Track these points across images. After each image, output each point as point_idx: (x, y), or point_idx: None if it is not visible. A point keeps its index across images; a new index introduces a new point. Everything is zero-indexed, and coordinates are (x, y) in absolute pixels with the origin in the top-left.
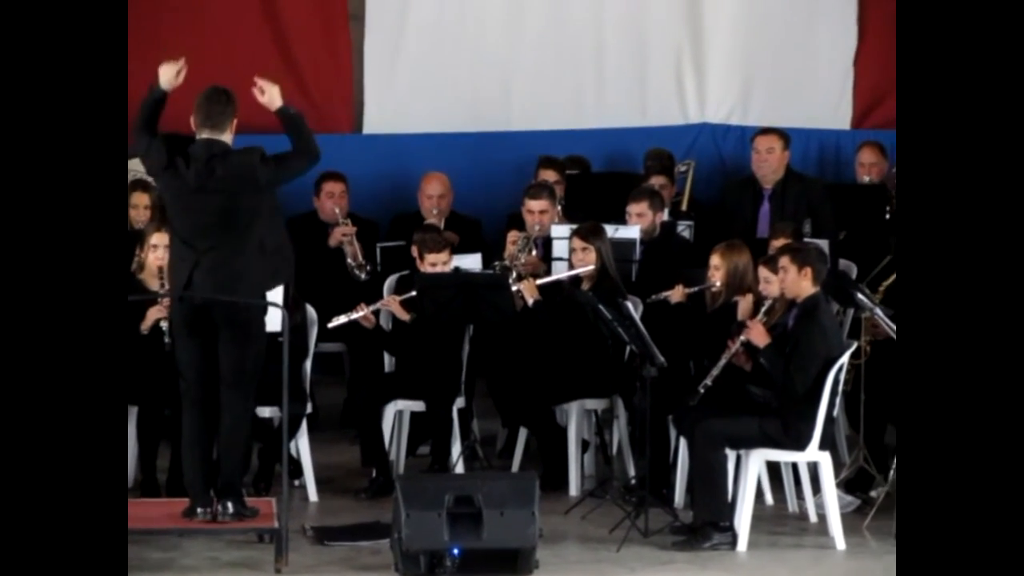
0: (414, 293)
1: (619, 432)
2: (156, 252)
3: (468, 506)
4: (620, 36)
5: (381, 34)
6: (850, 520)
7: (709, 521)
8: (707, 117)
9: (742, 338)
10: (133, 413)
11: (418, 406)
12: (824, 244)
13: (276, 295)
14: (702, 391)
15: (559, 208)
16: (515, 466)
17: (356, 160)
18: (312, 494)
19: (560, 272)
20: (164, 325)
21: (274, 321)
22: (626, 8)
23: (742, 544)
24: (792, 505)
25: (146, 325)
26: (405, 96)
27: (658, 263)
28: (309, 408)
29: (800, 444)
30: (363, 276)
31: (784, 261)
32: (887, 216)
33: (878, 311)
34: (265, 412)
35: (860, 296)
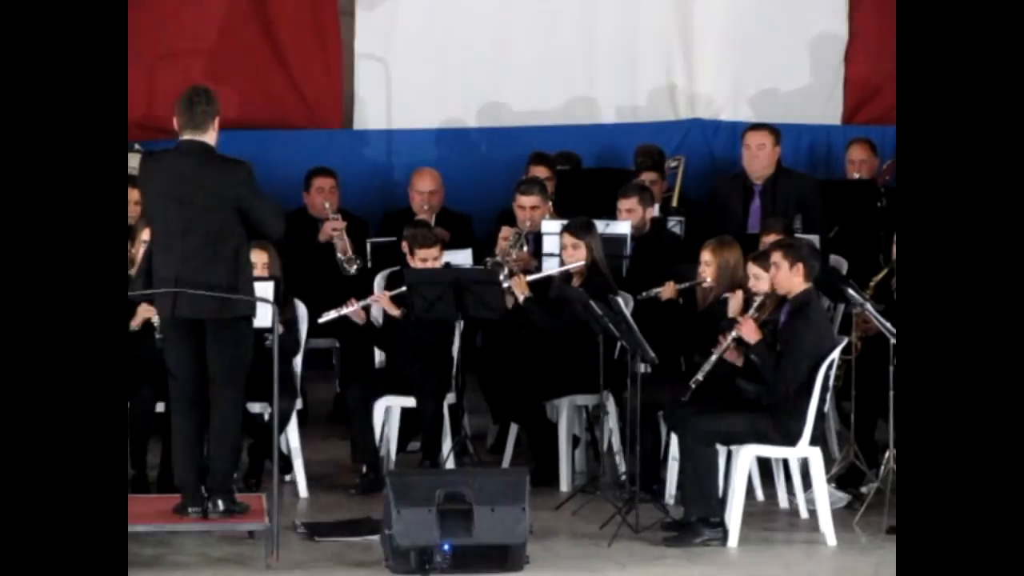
0: (404, 289)
1: (610, 428)
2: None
3: (459, 502)
4: (611, 32)
5: (371, 29)
6: (841, 516)
7: (700, 517)
8: (697, 113)
9: (733, 334)
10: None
11: (408, 402)
12: (815, 240)
13: (266, 290)
14: (693, 387)
15: (550, 204)
16: (506, 462)
17: (346, 156)
18: (303, 490)
19: (551, 268)
20: (156, 321)
21: (264, 317)
22: (617, 4)
23: (733, 540)
24: (783, 501)
25: (136, 322)
26: (396, 91)
27: (648, 259)
28: (300, 404)
29: (791, 440)
30: (353, 269)
31: (776, 257)
32: (878, 212)
33: (869, 307)
34: (255, 408)
35: (851, 292)
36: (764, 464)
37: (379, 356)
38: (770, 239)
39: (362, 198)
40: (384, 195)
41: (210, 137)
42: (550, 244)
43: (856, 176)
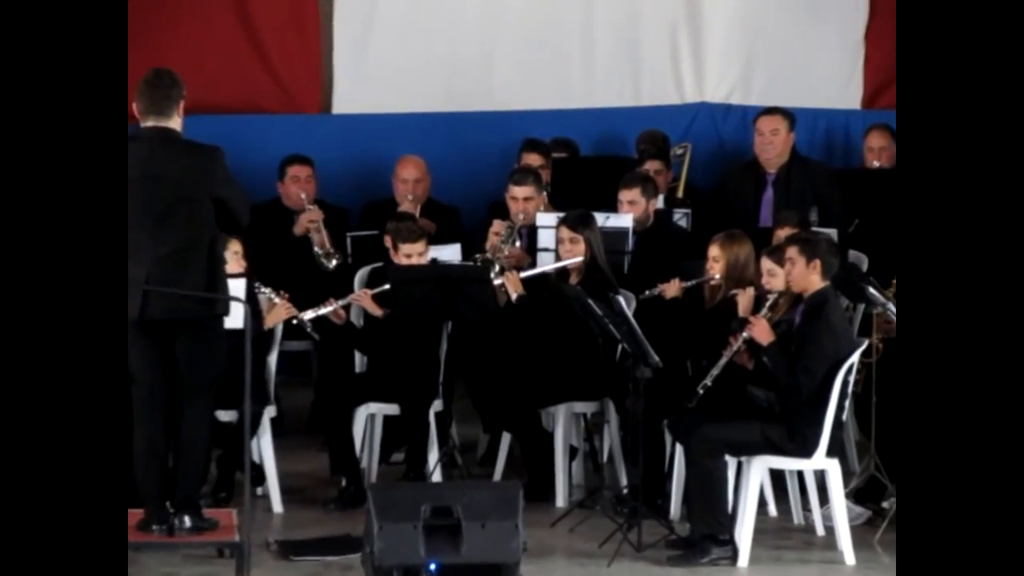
0: (387, 287)
1: (610, 438)
2: None
3: (446, 518)
4: (611, 8)
5: (351, 6)
6: (860, 533)
7: (707, 534)
8: (705, 96)
9: (744, 335)
10: None
11: (392, 409)
12: (832, 234)
13: (238, 288)
14: (700, 393)
15: (545, 195)
16: (497, 475)
17: (324, 142)
18: (277, 505)
19: (546, 264)
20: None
21: (236, 317)
22: None
23: (743, 559)
24: (797, 517)
25: None
26: (378, 73)
27: (652, 255)
28: (274, 411)
29: (806, 450)
30: (331, 265)
31: (792, 252)
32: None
33: (890, 307)
34: (224, 415)
35: (871, 291)
36: (777, 477)
37: (360, 360)
38: (784, 233)
39: (341, 188)
40: (365, 185)
41: (175, 123)
42: (545, 238)
43: (876, 165)
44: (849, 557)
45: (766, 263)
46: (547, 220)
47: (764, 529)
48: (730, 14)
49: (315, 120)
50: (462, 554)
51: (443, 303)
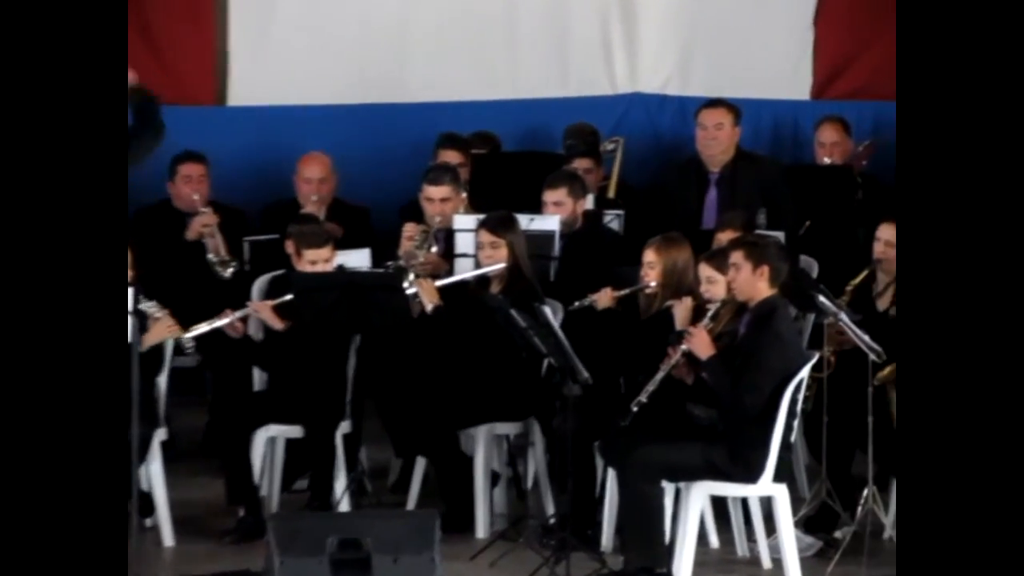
0: (290, 297)
1: (535, 462)
2: None
3: (355, 551)
4: None
5: None
6: (811, 566)
7: (643, 567)
8: (639, 86)
9: (682, 348)
10: None
11: (294, 431)
12: (780, 237)
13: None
14: (635, 411)
15: (463, 195)
16: (411, 503)
17: (219, 137)
18: (167, 537)
19: (465, 271)
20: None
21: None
22: None
23: None
24: (742, 548)
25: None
26: (279, 60)
27: (581, 260)
28: (164, 434)
29: (751, 475)
30: (227, 273)
31: (737, 257)
32: (854, 204)
33: (844, 317)
34: None
35: (822, 299)
36: (719, 504)
37: (259, 377)
38: (727, 236)
39: (238, 188)
40: (265, 184)
41: None
42: (464, 243)
43: (828, 161)
44: None
45: (706, 269)
46: (466, 223)
47: (705, 562)
48: None
49: (209, 113)
50: None
51: (351, 314)
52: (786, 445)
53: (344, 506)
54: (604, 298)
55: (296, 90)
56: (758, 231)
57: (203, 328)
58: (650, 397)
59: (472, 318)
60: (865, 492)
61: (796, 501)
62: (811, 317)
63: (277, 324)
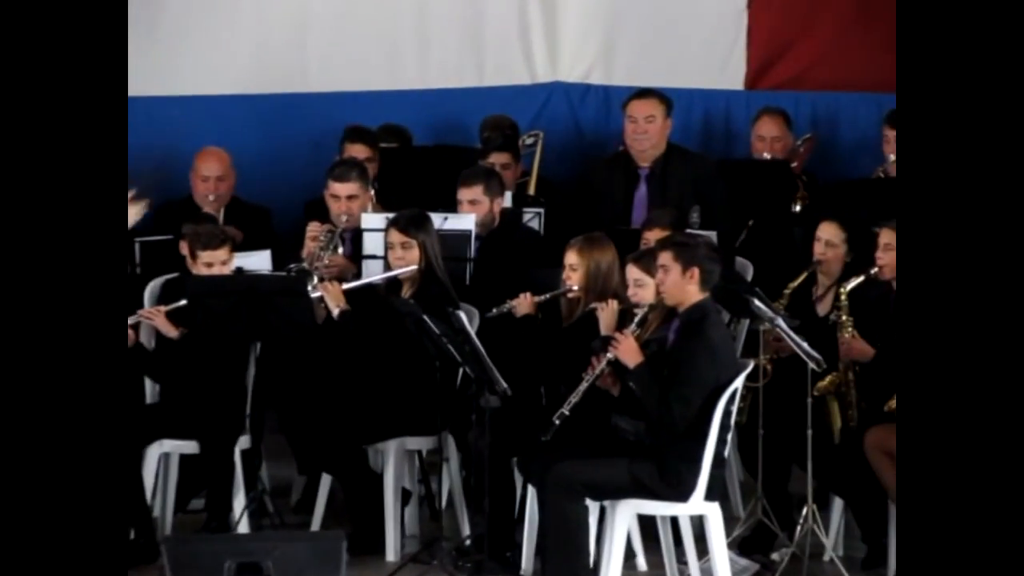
0: (184, 302)
1: (450, 479)
2: None
3: (255, 575)
4: None
5: None
6: None
7: None
8: (560, 75)
9: (608, 356)
10: None
11: (190, 447)
12: (712, 237)
13: None
14: (556, 424)
15: (372, 192)
16: (315, 523)
17: None
18: None
19: (373, 274)
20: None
21: None
22: None
23: None
24: (671, 570)
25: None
26: (170, 49)
27: (499, 262)
28: None
29: (681, 492)
30: None
31: (665, 259)
32: (793, 202)
33: (781, 322)
34: None
35: (757, 303)
36: (647, 523)
37: (151, 388)
38: (654, 236)
39: (129, 185)
40: (156, 181)
41: None
42: (372, 244)
43: (767, 156)
44: None
45: (634, 271)
46: (374, 222)
47: None
48: None
49: None
50: None
51: (251, 321)
52: (719, 460)
53: (243, 527)
54: (523, 303)
55: (189, 80)
56: (689, 230)
57: None
58: (573, 409)
59: (381, 324)
60: (804, 511)
61: (730, 520)
62: (745, 323)
63: (171, 331)
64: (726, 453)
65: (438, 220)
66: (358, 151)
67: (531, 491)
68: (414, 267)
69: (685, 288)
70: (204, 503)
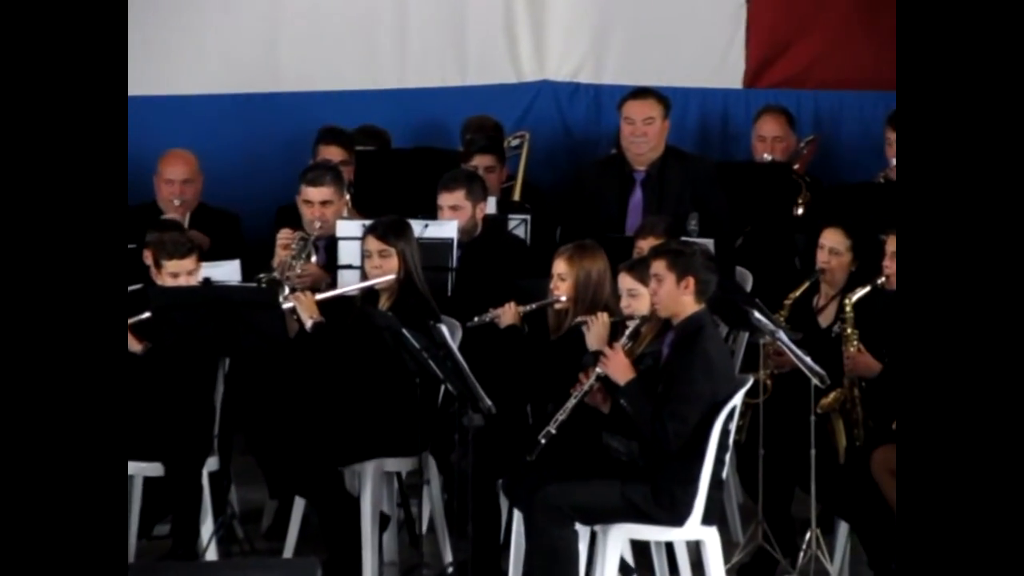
0: (148, 315)
1: (431, 502)
2: None
3: None
4: None
5: None
6: None
7: None
8: (547, 74)
9: (598, 371)
10: None
11: (154, 469)
12: (709, 245)
13: None
14: (543, 444)
15: (348, 198)
16: (288, 550)
17: None
18: None
19: (349, 284)
20: None
21: None
22: None
23: None
24: None
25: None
26: (136, 47)
27: (482, 272)
28: None
29: (676, 516)
30: None
31: (659, 268)
32: (795, 206)
33: (782, 335)
34: None
35: (757, 315)
36: (641, 549)
37: None
38: (648, 244)
39: None
40: None
41: None
42: (348, 252)
43: (767, 157)
44: None
45: (627, 281)
46: (350, 229)
47: None
48: None
49: None
50: None
51: (219, 334)
52: (716, 482)
53: (211, 554)
54: (508, 314)
55: (153, 79)
56: (685, 238)
57: None
58: (560, 428)
59: (358, 338)
60: (807, 535)
61: (728, 546)
62: (744, 336)
63: (134, 346)
64: (724, 474)
65: (418, 227)
66: (333, 153)
67: (517, 515)
68: (392, 277)
69: (680, 299)
70: (170, 528)
